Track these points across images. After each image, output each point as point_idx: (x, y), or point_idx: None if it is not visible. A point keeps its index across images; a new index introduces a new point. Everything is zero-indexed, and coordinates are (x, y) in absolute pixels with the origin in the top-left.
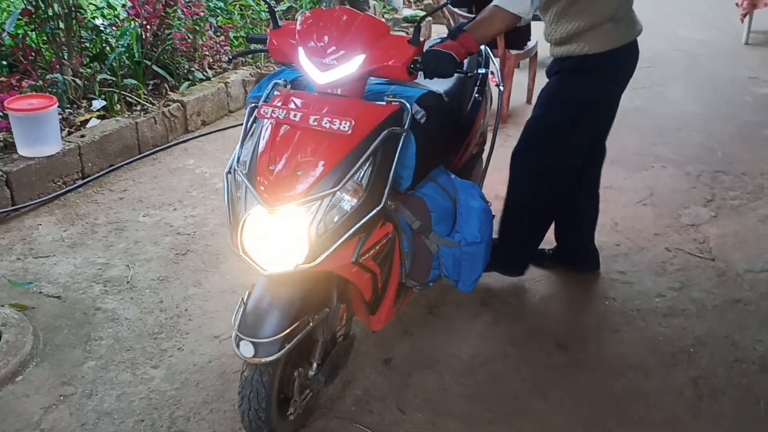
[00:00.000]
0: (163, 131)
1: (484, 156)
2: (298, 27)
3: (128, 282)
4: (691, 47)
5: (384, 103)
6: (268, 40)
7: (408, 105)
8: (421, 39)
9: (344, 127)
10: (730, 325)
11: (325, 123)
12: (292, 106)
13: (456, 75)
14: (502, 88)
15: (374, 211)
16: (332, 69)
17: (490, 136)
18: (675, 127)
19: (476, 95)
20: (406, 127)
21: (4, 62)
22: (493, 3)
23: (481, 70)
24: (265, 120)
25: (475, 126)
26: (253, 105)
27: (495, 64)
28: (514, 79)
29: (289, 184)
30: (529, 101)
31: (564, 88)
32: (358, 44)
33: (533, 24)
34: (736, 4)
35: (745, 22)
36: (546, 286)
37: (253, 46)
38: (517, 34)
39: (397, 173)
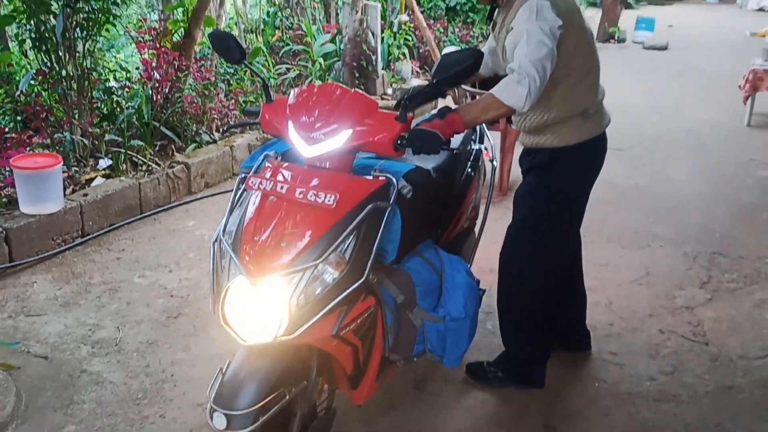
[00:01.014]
0: (166, 192)
1: (477, 230)
2: (290, 101)
3: (116, 344)
4: (695, 127)
5: (371, 177)
6: (260, 113)
7: (395, 180)
8: (410, 115)
9: (329, 201)
10: (723, 413)
11: (311, 196)
12: (280, 178)
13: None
14: (496, 163)
15: (356, 284)
16: (319, 143)
17: (483, 209)
18: (674, 206)
19: (469, 170)
20: (391, 201)
21: (18, 118)
22: (490, 91)
23: (475, 146)
24: (254, 191)
25: (467, 200)
26: (243, 175)
27: (489, 139)
28: (516, 154)
29: (273, 255)
30: None
31: (541, 185)
32: (346, 120)
33: None
34: (739, 87)
35: (748, 104)
36: None
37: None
38: None
39: (382, 247)
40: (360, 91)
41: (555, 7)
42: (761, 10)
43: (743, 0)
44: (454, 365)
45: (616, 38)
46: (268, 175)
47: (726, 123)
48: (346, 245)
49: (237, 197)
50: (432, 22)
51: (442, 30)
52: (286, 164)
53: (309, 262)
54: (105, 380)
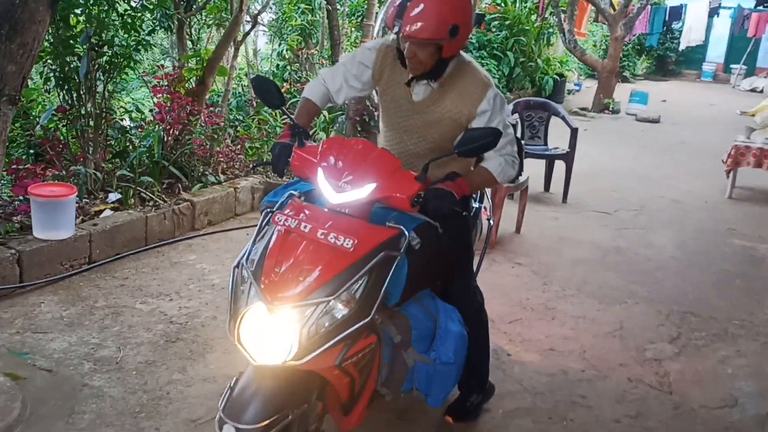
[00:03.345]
0: (170, 227)
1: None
2: (320, 149)
3: (117, 363)
4: (678, 196)
5: (386, 227)
6: (291, 156)
7: (406, 232)
8: (427, 176)
9: (347, 244)
10: None
11: (331, 238)
12: (303, 217)
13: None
14: (491, 222)
15: (362, 322)
16: (345, 192)
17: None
18: (653, 268)
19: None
20: (402, 251)
21: (31, 151)
22: (489, 170)
23: (475, 205)
24: (278, 226)
25: None
26: (267, 210)
27: (488, 199)
28: (506, 211)
29: (290, 286)
30: (517, 231)
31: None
32: (371, 175)
33: (526, 161)
34: (723, 161)
35: (730, 178)
36: (510, 401)
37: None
38: None
39: (388, 290)
40: (386, 150)
41: None
42: (753, 90)
43: (736, 80)
44: (437, 405)
45: (610, 109)
46: (291, 212)
47: (708, 194)
48: (357, 286)
49: (261, 228)
50: None
51: None
52: (309, 205)
53: (322, 297)
54: (105, 394)
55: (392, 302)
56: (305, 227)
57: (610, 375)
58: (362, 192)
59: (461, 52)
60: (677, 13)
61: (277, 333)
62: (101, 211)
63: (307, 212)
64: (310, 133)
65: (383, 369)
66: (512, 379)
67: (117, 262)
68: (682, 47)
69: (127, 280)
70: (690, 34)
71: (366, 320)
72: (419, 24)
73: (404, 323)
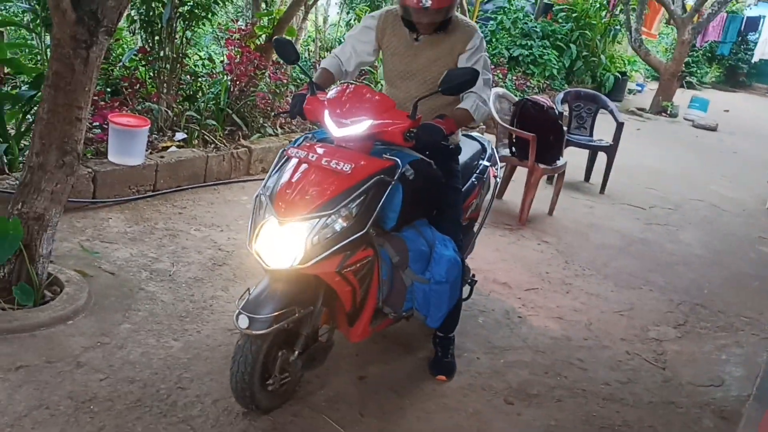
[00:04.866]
0: (228, 169)
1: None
2: (328, 96)
3: (170, 275)
4: (717, 201)
5: (383, 159)
6: (304, 103)
7: (400, 163)
8: (418, 116)
9: (346, 168)
10: (658, 419)
11: (333, 164)
12: (312, 150)
13: (461, 164)
14: (498, 180)
15: (358, 234)
16: (346, 127)
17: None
18: (674, 262)
19: (474, 179)
20: (395, 179)
21: (108, 89)
22: (466, 108)
23: (483, 162)
24: (291, 158)
25: (468, 201)
26: (283, 149)
27: (498, 161)
28: (543, 193)
29: (298, 204)
30: (550, 213)
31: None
32: (369, 113)
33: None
34: None
35: None
36: (512, 354)
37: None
38: (548, 150)
39: (385, 214)
40: (383, 94)
41: None
42: None
43: None
44: (437, 325)
45: (668, 112)
46: (303, 147)
47: (748, 203)
48: (354, 204)
49: (277, 164)
50: (493, 67)
51: (501, 76)
52: (318, 142)
53: (324, 212)
54: (157, 298)
55: (389, 225)
56: (312, 156)
57: (611, 346)
58: (360, 127)
59: None
60: (754, 23)
61: (286, 242)
62: (168, 147)
63: (316, 147)
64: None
65: (383, 286)
66: (518, 336)
67: (177, 193)
68: (755, 59)
69: (185, 210)
70: (765, 46)
71: (361, 232)
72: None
73: (401, 245)
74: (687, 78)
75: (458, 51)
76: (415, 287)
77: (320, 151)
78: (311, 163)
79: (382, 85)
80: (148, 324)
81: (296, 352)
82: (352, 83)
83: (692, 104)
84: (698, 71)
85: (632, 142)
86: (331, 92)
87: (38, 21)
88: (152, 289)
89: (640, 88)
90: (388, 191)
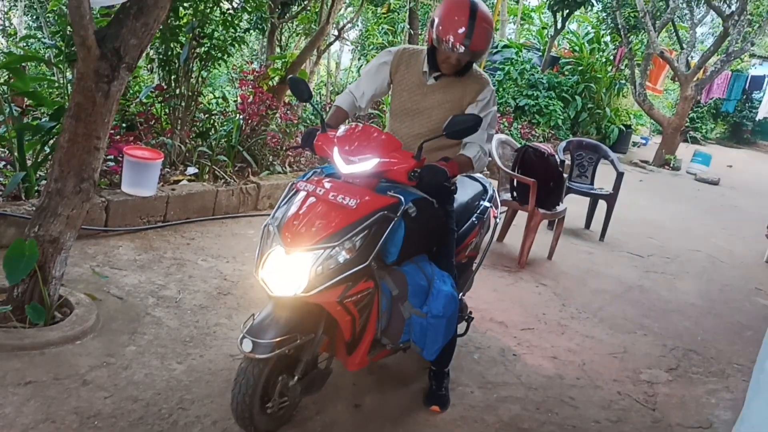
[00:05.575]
0: (236, 203)
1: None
2: (338, 134)
3: (176, 302)
4: (715, 253)
5: (387, 196)
6: (315, 139)
7: (404, 200)
8: (423, 157)
9: (351, 203)
10: None
11: (340, 198)
12: (320, 184)
13: (462, 203)
14: (499, 221)
15: (360, 266)
16: (354, 165)
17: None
18: (670, 309)
19: (474, 219)
20: (398, 214)
21: (124, 125)
22: (469, 156)
23: (483, 203)
24: (300, 191)
25: (468, 240)
26: (292, 182)
27: (498, 203)
28: (542, 239)
29: (304, 235)
30: (549, 257)
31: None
32: (376, 152)
33: (569, 197)
34: (767, 226)
35: None
36: (505, 390)
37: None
38: (548, 195)
39: (387, 249)
40: (390, 134)
41: None
42: None
43: None
44: (432, 357)
45: (670, 165)
46: (312, 181)
47: (746, 256)
48: (358, 237)
49: (285, 197)
50: (500, 116)
51: (507, 124)
52: (326, 177)
53: (329, 244)
54: (163, 323)
55: (391, 259)
56: (320, 191)
57: (602, 386)
58: (367, 165)
59: None
60: (759, 82)
61: (292, 271)
62: (179, 181)
63: (324, 181)
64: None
65: (382, 317)
66: (512, 373)
67: (186, 225)
68: (759, 117)
69: (193, 241)
70: None
71: (363, 265)
72: (480, 39)
73: (401, 279)
74: (691, 133)
75: (468, 100)
76: (413, 320)
77: (328, 185)
78: (319, 196)
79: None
80: (153, 347)
81: (296, 378)
82: (361, 123)
83: (695, 158)
84: (703, 127)
85: (634, 193)
86: (341, 130)
87: (61, 57)
88: (158, 314)
89: (644, 141)
90: (390, 227)
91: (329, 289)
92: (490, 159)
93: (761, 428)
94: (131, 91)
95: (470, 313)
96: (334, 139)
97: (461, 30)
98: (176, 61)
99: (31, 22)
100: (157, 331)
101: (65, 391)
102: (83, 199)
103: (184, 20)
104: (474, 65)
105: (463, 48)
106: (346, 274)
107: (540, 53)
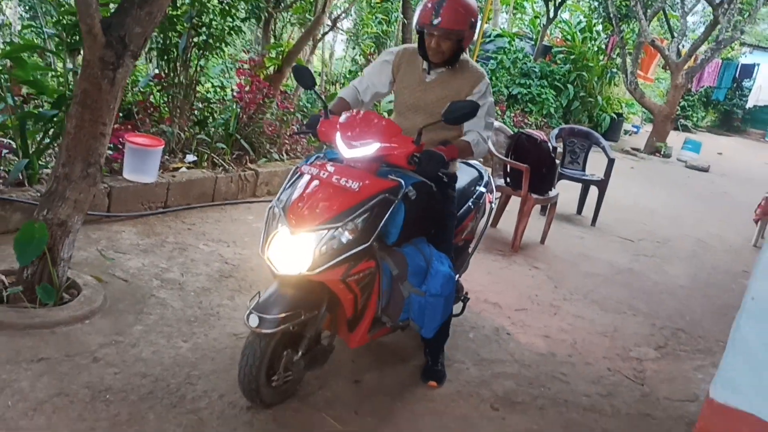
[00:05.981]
0: (235, 190)
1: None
2: (341, 120)
3: (179, 285)
4: (705, 238)
5: (388, 179)
6: (318, 125)
7: (404, 184)
8: (422, 142)
9: (354, 186)
10: (635, 429)
11: (343, 181)
12: (323, 167)
13: (459, 189)
14: (494, 206)
15: (362, 246)
16: (356, 149)
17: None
18: (659, 291)
19: (470, 204)
20: (398, 197)
21: (121, 114)
22: (468, 142)
23: (479, 188)
24: (304, 174)
25: (464, 223)
26: (296, 166)
27: (494, 189)
28: (534, 224)
29: (309, 216)
30: (542, 242)
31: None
32: (377, 137)
33: (561, 183)
34: (754, 212)
35: (758, 227)
36: (499, 366)
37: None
38: (541, 181)
39: (387, 230)
40: (390, 119)
41: None
42: None
43: None
44: (430, 335)
45: (661, 152)
46: (315, 165)
47: (735, 240)
48: (360, 219)
49: (290, 180)
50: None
51: (500, 113)
52: (329, 161)
53: (332, 225)
54: (168, 304)
55: (391, 240)
56: (324, 174)
57: (593, 363)
58: (368, 150)
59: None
60: (749, 71)
61: (296, 250)
62: (178, 168)
63: (327, 165)
64: None
65: (383, 296)
66: (506, 351)
67: (187, 211)
68: (749, 105)
69: (193, 226)
70: (759, 93)
71: (365, 245)
72: (448, 17)
73: (401, 259)
74: (681, 121)
75: (465, 93)
76: (412, 299)
77: (331, 169)
78: (322, 179)
79: (386, 114)
80: (159, 326)
81: (300, 353)
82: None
83: (686, 146)
84: (694, 115)
85: (625, 180)
86: (343, 117)
87: (62, 46)
88: (163, 295)
89: (635, 129)
90: (391, 209)
91: (332, 268)
92: (488, 147)
93: (737, 381)
94: (129, 81)
95: (466, 293)
96: (337, 124)
97: (429, 5)
98: (174, 50)
99: (24, 13)
100: (162, 311)
101: (76, 367)
102: (90, 184)
103: (182, 10)
104: (468, 59)
105: (433, 26)
106: (349, 253)
107: (532, 42)
